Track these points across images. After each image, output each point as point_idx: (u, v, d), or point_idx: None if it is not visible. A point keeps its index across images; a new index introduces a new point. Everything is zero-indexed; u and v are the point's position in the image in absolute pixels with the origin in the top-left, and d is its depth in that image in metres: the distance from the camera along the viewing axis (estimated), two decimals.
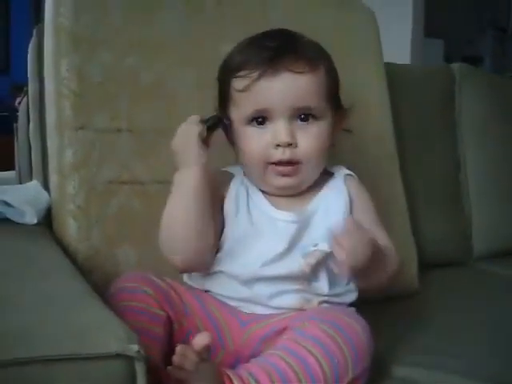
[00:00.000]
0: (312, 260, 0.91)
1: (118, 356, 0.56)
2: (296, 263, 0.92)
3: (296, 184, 0.96)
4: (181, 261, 0.92)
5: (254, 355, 0.87)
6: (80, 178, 1.06)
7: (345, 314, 0.87)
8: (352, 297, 0.98)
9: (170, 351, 0.83)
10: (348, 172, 1.03)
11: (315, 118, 0.94)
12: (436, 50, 3.62)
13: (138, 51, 1.13)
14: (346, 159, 1.22)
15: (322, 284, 0.93)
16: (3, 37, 3.80)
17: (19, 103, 1.32)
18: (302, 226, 0.95)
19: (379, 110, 1.37)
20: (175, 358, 0.76)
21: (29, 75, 1.19)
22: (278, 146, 0.92)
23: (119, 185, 1.08)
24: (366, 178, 1.28)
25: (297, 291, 0.92)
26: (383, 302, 1.24)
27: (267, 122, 0.93)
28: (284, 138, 0.91)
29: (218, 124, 0.95)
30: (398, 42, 2.85)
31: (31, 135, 1.19)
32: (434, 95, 1.68)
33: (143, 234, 1.06)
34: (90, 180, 1.06)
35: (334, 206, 0.97)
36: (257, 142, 0.94)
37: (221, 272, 0.95)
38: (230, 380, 0.76)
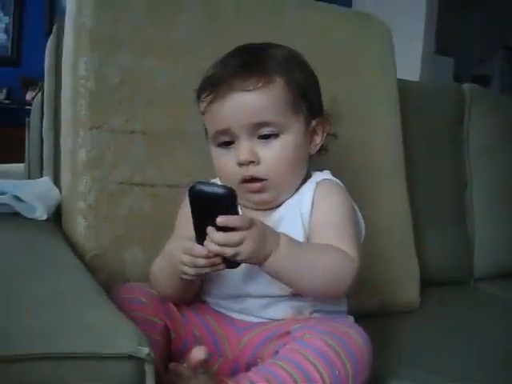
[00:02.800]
0: None
1: (129, 357, 0.56)
2: (269, 281, 0.90)
3: (272, 198, 0.95)
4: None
5: (252, 362, 0.89)
6: (92, 177, 1.06)
7: (346, 325, 0.87)
8: (344, 304, 0.99)
9: (169, 360, 0.85)
10: (325, 177, 0.99)
11: (276, 132, 0.92)
12: (446, 68, 3.63)
13: (155, 53, 1.14)
14: (353, 170, 1.23)
15: None
16: (16, 29, 3.81)
17: (33, 98, 1.33)
18: None
19: (389, 124, 1.38)
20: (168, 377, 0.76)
21: (45, 71, 1.20)
22: (241, 164, 0.92)
23: (131, 186, 1.08)
24: (372, 190, 1.30)
25: (287, 301, 0.93)
26: (383, 317, 1.25)
27: (233, 144, 0.93)
28: (243, 156, 0.91)
29: None
30: (409, 59, 2.87)
31: (44, 131, 1.20)
32: (444, 114, 1.69)
33: (151, 236, 1.06)
34: (101, 180, 1.07)
35: (292, 214, 0.95)
36: (225, 163, 0.94)
37: (209, 295, 0.97)
38: None
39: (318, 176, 0.99)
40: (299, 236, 0.92)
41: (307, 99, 0.96)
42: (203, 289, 0.98)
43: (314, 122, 0.97)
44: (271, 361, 0.82)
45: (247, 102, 0.91)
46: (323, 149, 1.01)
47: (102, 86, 1.09)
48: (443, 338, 1.19)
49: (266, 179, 0.93)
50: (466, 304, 1.48)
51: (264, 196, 0.94)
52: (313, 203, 0.94)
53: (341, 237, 0.90)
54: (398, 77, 1.44)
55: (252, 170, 0.92)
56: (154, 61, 1.14)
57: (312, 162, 1.01)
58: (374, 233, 1.17)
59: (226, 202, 0.79)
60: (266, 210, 0.96)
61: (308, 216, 0.94)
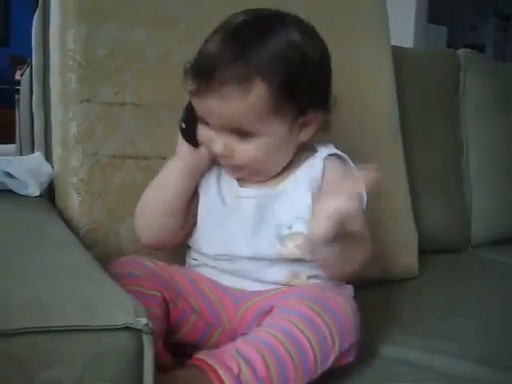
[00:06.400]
0: (291, 245, 0.91)
1: (126, 328, 0.56)
2: (271, 245, 0.91)
3: (250, 176, 0.95)
4: (149, 237, 0.98)
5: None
6: (84, 151, 1.05)
7: (328, 289, 0.88)
8: None
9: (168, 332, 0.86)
10: (333, 151, 0.98)
11: (252, 135, 0.90)
12: (439, 37, 3.60)
13: (145, 23, 1.11)
14: (350, 137, 1.21)
15: None
16: (3, 8, 3.77)
17: (21, 75, 1.31)
18: (264, 203, 0.94)
19: (385, 90, 1.37)
20: None
21: (33, 46, 1.18)
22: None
23: (123, 159, 1.07)
24: (369, 157, 1.29)
25: (285, 264, 0.92)
26: (382, 285, 1.24)
27: None
28: (217, 149, 0.91)
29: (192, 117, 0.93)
30: (402, 28, 2.84)
31: (34, 107, 1.18)
32: (439, 80, 1.67)
33: None
34: (94, 153, 1.05)
35: (301, 186, 0.94)
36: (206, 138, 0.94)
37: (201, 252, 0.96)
38: (214, 370, 0.75)
39: (322, 151, 0.98)
40: (306, 213, 0.91)
41: (298, 98, 0.90)
42: (195, 247, 0.97)
43: (302, 119, 0.92)
44: (258, 329, 0.83)
45: (223, 110, 0.88)
46: (324, 128, 0.97)
47: (91, 58, 1.07)
48: (443, 305, 1.19)
49: (243, 167, 0.93)
50: (465, 270, 1.49)
51: (243, 173, 0.95)
52: (322, 181, 0.94)
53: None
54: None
55: (228, 161, 0.92)
56: (144, 31, 1.12)
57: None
58: (372, 200, 1.16)
59: None
60: (266, 182, 0.96)
61: (313, 192, 0.93)
